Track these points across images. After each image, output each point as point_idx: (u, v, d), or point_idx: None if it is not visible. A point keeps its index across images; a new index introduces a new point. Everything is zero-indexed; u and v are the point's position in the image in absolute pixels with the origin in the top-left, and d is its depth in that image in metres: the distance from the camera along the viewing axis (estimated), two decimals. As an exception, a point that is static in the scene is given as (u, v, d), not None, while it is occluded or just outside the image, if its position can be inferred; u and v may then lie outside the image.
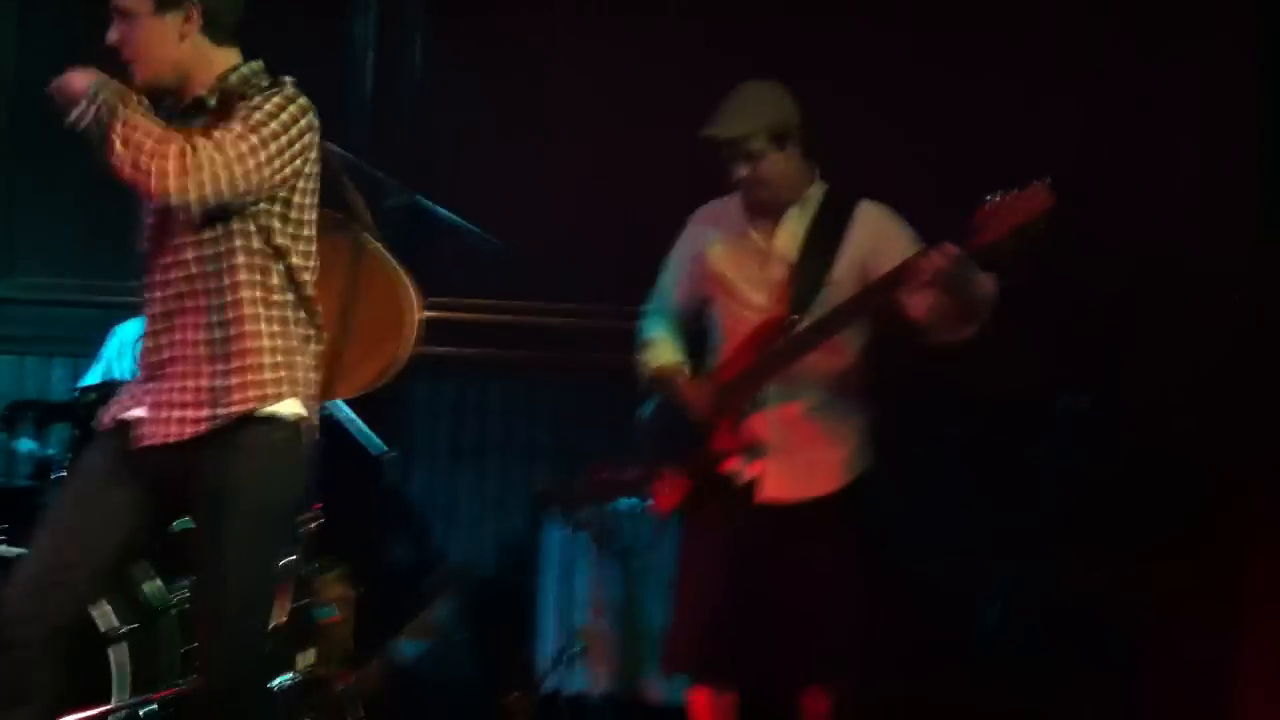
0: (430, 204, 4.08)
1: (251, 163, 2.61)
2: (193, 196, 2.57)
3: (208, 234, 2.67)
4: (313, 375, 2.79)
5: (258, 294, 2.70)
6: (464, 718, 3.83)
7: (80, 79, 2.60)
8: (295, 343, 2.74)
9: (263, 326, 2.70)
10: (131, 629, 3.35)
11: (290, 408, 2.71)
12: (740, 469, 3.23)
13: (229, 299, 2.67)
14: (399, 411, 4.70)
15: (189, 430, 2.67)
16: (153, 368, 2.73)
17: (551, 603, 4.25)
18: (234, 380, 2.67)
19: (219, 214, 2.64)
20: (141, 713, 3.31)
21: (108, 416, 2.79)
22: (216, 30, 2.72)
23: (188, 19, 2.69)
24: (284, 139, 2.66)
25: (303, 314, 2.76)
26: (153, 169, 2.54)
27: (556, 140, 4.68)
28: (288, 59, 4.48)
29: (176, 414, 2.68)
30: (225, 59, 2.74)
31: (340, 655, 3.91)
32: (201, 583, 2.79)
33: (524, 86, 4.76)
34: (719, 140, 3.17)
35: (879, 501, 3.37)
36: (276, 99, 2.69)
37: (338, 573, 4.09)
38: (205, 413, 2.66)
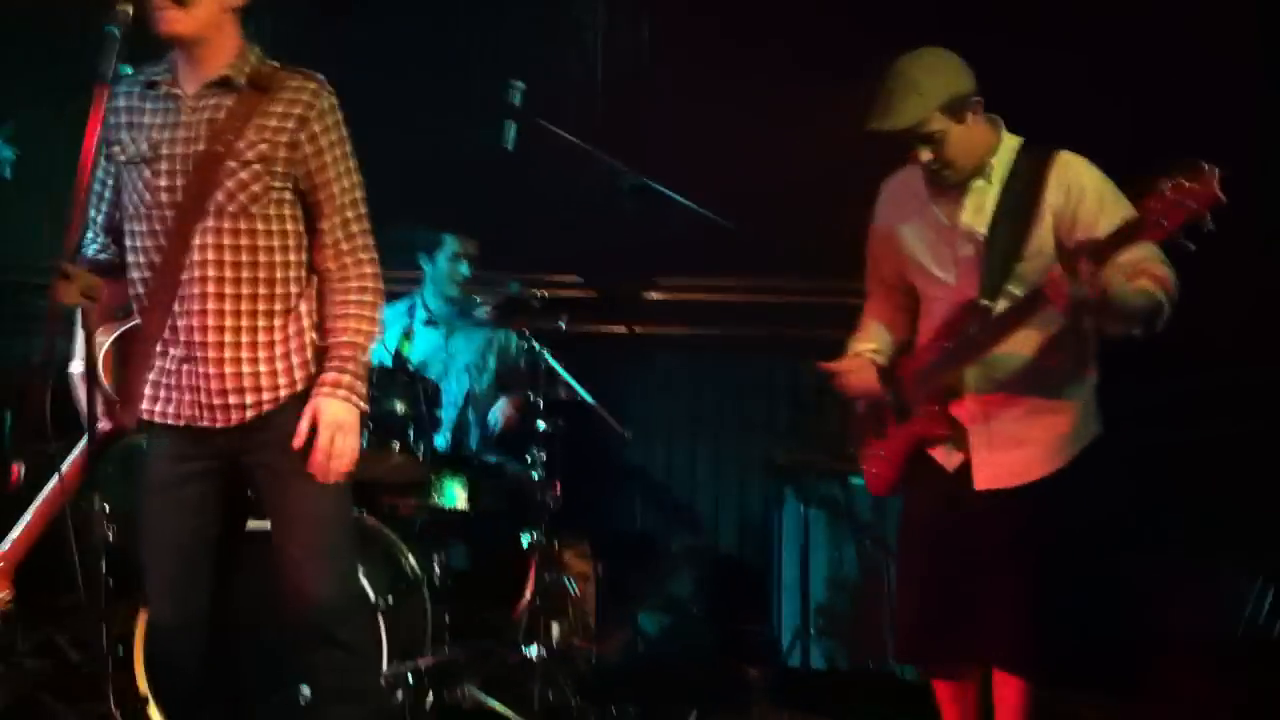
0: (660, 186, 4.14)
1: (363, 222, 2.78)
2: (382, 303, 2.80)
3: (243, 223, 2.70)
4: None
5: (300, 274, 2.76)
6: (704, 691, 3.87)
7: (352, 445, 2.73)
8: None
9: (303, 307, 2.77)
10: (391, 602, 3.51)
11: None
12: (946, 456, 3.02)
13: (269, 279, 2.72)
14: (638, 389, 4.79)
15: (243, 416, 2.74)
16: (192, 347, 2.73)
17: (789, 578, 4.27)
18: (279, 365, 2.74)
19: (256, 204, 2.69)
20: (402, 679, 3.47)
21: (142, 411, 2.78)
22: (246, 11, 2.74)
23: None
24: (349, 145, 2.77)
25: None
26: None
27: (787, 119, 4.66)
28: (519, 46, 4.69)
29: (233, 400, 2.73)
30: (239, 38, 2.75)
31: (583, 628, 4.03)
32: (291, 524, 2.78)
33: (751, 68, 4.76)
34: (892, 132, 2.89)
35: (1104, 479, 3.06)
36: (334, 105, 2.74)
37: (579, 548, 4.21)
38: (250, 399, 2.73)
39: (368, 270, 2.79)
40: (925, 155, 2.92)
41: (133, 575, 3.32)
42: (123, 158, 2.73)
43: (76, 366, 2.79)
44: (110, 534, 3.43)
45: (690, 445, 4.89)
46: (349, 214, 2.77)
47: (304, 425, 2.71)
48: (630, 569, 4.38)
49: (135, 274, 2.75)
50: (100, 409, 2.73)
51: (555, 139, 4.16)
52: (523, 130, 4.08)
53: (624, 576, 4.31)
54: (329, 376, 2.73)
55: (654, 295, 4.89)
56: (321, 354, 2.77)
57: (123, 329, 2.77)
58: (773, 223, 4.52)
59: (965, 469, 3.00)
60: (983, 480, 2.98)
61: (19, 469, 2.74)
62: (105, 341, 2.78)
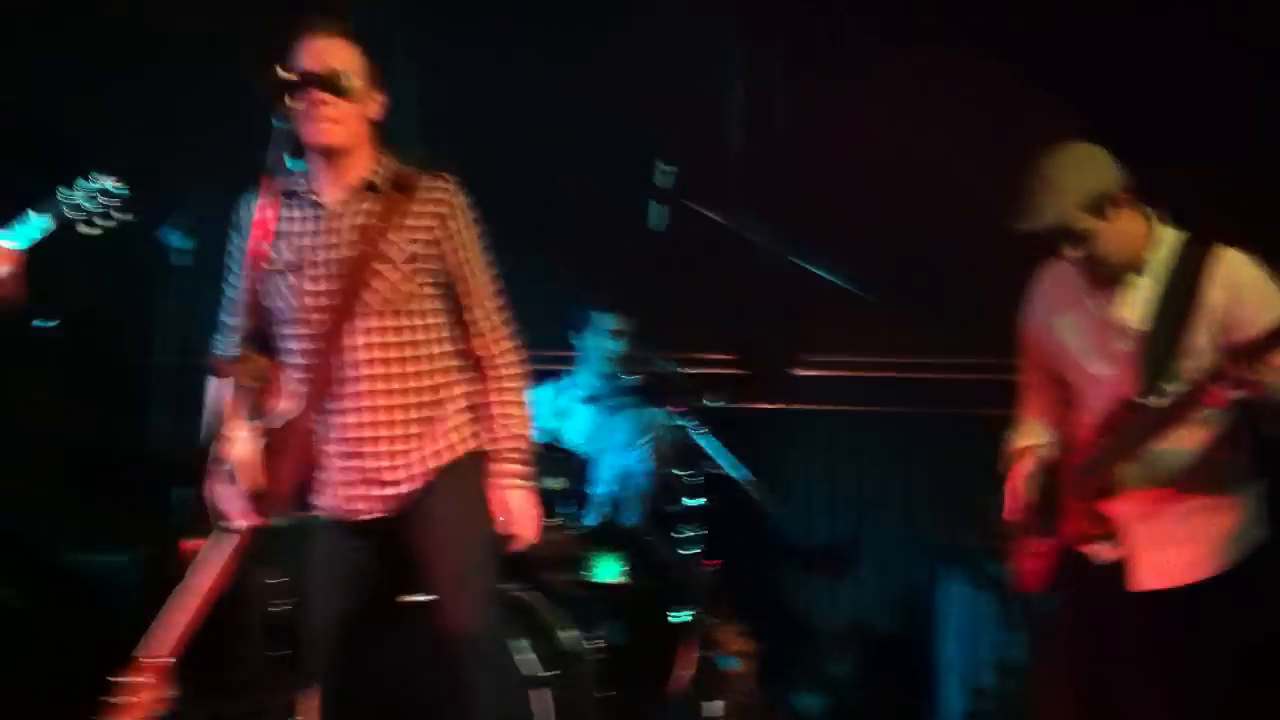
0: (803, 259, 4.14)
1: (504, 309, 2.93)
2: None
3: (397, 320, 2.83)
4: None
5: (450, 363, 2.90)
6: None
7: (537, 523, 2.94)
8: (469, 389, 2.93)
9: (456, 390, 2.90)
10: (554, 674, 3.51)
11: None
12: (1099, 553, 2.88)
13: (425, 371, 2.87)
14: (795, 466, 4.76)
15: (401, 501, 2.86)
16: (351, 444, 2.86)
17: (953, 661, 4.16)
18: (441, 446, 2.87)
19: (409, 302, 2.84)
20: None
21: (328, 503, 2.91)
22: (379, 123, 2.90)
23: (378, 104, 2.87)
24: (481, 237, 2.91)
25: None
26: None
27: (936, 188, 4.64)
28: (663, 125, 4.74)
29: (390, 491, 2.86)
30: (376, 144, 2.90)
31: (744, 705, 3.97)
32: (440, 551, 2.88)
33: (892, 136, 4.75)
34: (1037, 232, 2.84)
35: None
36: (466, 202, 2.87)
37: (738, 626, 4.17)
38: (406, 488, 2.86)
39: (516, 357, 2.96)
40: (1073, 254, 2.87)
41: (301, 648, 3.39)
42: (269, 266, 2.85)
43: (220, 462, 2.89)
44: (277, 608, 3.51)
45: (852, 522, 4.83)
46: (491, 303, 2.94)
47: (495, 510, 2.90)
48: (788, 648, 4.31)
49: (295, 375, 2.88)
50: (246, 504, 2.84)
51: (703, 217, 4.22)
52: (672, 210, 4.15)
53: (781, 655, 4.25)
54: (508, 469, 2.90)
55: (803, 372, 4.86)
56: (474, 428, 2.91)
57: (269, 427, 2.86)
58: (920, 296, 4.50)
59: (1121, 568, 2.87)
60: (1142, 580, 2.84)
61: (191, 546, 2.85)
62: (242, 439, 2.86)
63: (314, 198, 2.86)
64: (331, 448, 2.85)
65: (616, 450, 4.48)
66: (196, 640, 3.38)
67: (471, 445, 2.92)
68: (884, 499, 4.80)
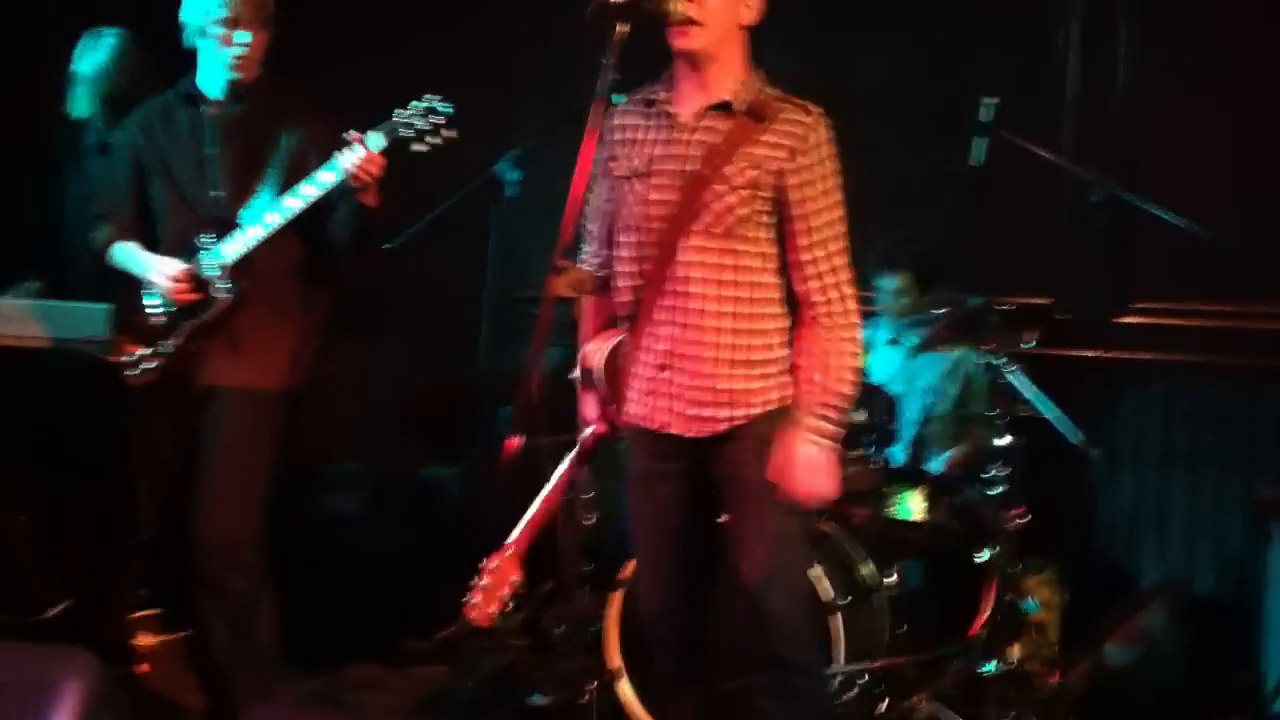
0: (1136, 199, 3.97)
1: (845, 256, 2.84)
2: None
3: (728, 243, 2.79)
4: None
5: (776, 295, 2.83)
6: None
7: (830, 488, 2.83)
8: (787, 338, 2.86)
9: (780, 325, 2.84)
10: (847, 602, 3.55)
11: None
12: None
13: (746, 299, 2.81)
14: (1106, 416, 4.59)
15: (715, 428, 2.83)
16: (663, 356, 2.85)
17: (1277, 624, 3.93)
18: (756, 383, 2.82)
19: (741, 227, 2.78)
20: (858, 681, 3.50)
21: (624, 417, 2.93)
22: (756, 30, 2.81)
23: (752, 8, 2.80)
24: (838, 179, 2.81)
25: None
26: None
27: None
28: (993, 64, 4.63)
29: (707, 413, 2.83)
30: (746, 60, 2.84)
31: (1046, 654, 3.90)
32: (746, 539, 2.83)
33: (1238, 81, 4.48)
34: None
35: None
36: (827, 139, 2.80)
37: (1045, 575, 4.08)
38: (724, 413, 2.82)
39: (851, 306, 2.87)
40: None
41: (607, 561, 3.56)
42: (619, 172, 2.92)
43: (577, 373, 3.04)
44: (591, 521, 3.69)
45: (1162, 477, 4.62)
46: (832, 247, 2.84)
47: (785, 463, 2.81)
48: (1096, 600, 4.18)
49: (624, 283, 2.93)
50: (596, 411, 2.97)
51: (1026, 155, 4.10)
52: (993, 146, 4.05)
53: (1089, 607, 4.12)
54: (814, 424, 2.82)
55: (1129, 320, 4.67)
56: (793, 374, 2.86)
57: (618, 338, 2.97)
58: (1259, 242, 4.24)
59: None
60: None
61: (516, 442, 2.99)
62: (602, 349, 2.99)
63: (669, 109, 2.86)
64: (654, 359, 2.86)
65: (923, 394, 4.44)
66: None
67: (791, 395, 2.85)
68: (1210, 452, 4.54)
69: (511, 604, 3.38)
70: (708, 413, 2.84)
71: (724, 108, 2.82)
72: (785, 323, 2.87)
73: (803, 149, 2.79)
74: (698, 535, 2.93)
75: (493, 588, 3.28)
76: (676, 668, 2.98)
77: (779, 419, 2.83)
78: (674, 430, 2.87)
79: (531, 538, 3.34)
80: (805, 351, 2.85)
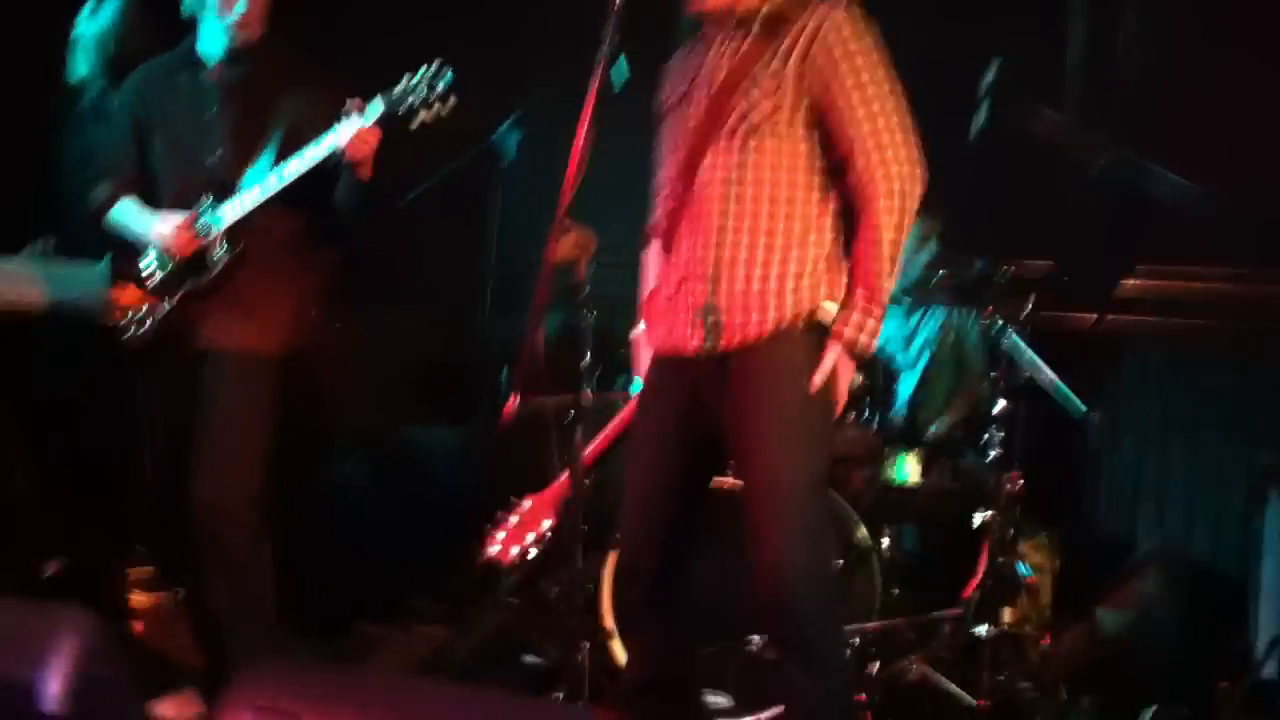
0: (1143, 162, 3.95)
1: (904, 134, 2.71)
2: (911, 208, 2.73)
3: (752, 143, 2.70)
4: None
5: (812, 196, 2.73)
6: (1166, 697, 3.66)
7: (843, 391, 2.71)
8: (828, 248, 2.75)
9: (812, 238, 2.73)
10: (840, 565, 3.57)
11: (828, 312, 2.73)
12: None
13: (767, 196, 2.71)
14: (1106, 380, 4.59)
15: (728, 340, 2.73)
16: (683, 267, 2.77)
17: (1270, 587, 3.94)
18: (772, 299, 2.71)
19: (766, 123, 2.69)
20: (850, 643, 3.53)
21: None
22: None
23: None
24: (875, 57, 2.70)
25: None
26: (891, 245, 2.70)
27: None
28: (999, 26, 4.60)
29: (724, 319, 2.71)
30: None
31: (1038, 618, 3.92)
32: (755, 477, 2.73)
33: (1244, 45, 4.45)
34: None
35: None
36: (851, 19, 2.69)
37: (1040, 539, 4.09)
38: (739, 319, 2.72)
39: (903, 187, 2.69)
40: None
41: (603, 524, 3.59)
42: (667, 104, 2.90)
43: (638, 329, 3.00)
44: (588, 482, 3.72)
45: (1162, 443, 4.62)
46: (882, 121, 2.69)
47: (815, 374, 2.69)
48: (1092, 565, 4.20)
49: (661, 208, 2.87)
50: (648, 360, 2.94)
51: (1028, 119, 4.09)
52: (996, 109, 4.04)
53: (1085, 572, 4.14)
54: (843, 331, 2.68)
55: (1131, 283, 4.66)
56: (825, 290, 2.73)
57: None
58: (1265, 209, 4.22)
59: None
60: None
61: (516, 400, 2.99)
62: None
63: (707, 33, 2.85)
64: (673, 274, 2.80)
65: (923, 351, 4.45)
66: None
67: (810, 308, 2.71)
68: (1210, 418, 4.54)
69: (536, 548, 3.38)
70: (724, 319, 2.71)
71: (751, 17, 2.77)
72: (815, 233, 2.74)
73: (824, 29, 2.68)
74: (690, 469, 2.86)
75: (521, 527, 3.30)
76: (646, 598, 2.89)
77: (797, 338, 2.71)
78: (690, 344, 2.76)
79: (569, 487, 3.32)
80: (856, 243, 2.72)
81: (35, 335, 3.90)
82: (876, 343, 2.73)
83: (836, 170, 2.74)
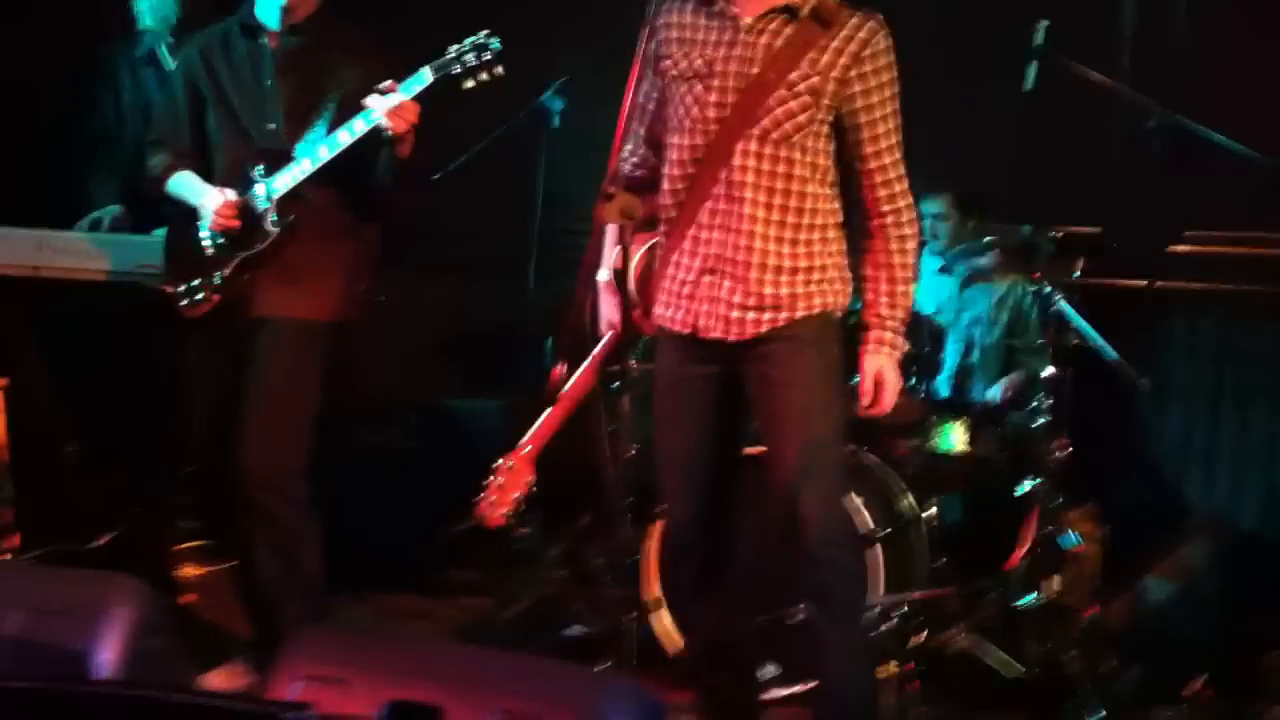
0: (1194, 125, 3.89)
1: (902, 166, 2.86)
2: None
3: (783, 150, 2.78)
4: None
5: (830, 206, 2.84)
6: (1213, 667, 3.63)
7: (894, 392, 2.88)
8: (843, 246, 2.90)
9: (830, 234, 2.85)
10: (886, 534, 3.56)
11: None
12: None
13: (796, 208, 2.81)
14: (1154, 348, 4.53)
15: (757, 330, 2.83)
16: (711, 260, 2.85)
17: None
18: (800, 290, 2.83)
19: (799, 133, 2.77)
20: (896, 612, 3.52)
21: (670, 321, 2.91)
22: None
23: None
24: (897, 88, 2.81)
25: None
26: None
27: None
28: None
29: (751, 315, 2.82)
30: None
31: (1086, 587, 3.89)
32: (782, 438, 2.85)
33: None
34: None
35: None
36: (889, 47, 2.79)
37: (1086, 508, 4.05)
38: (767, 315, 2.83)
39: (913, 216, 2.88)
40: None
41: (647, 494, 3.59)
42: (674, 72, 2.88)
43: (604, 275, 3.04)
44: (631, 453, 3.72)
45: (1212, 411, 4.56)
46: (895, 156, 2.85)
47: (863, 379, 2.88)
48: (1138, 535, 4.16)
49: (668, 185, 2.90)
50: (618, 314, 3.01)
51: (1078, 81, 4.03)
52: (1043, 72, 3.99)
53: (1131, 542, 4.10)
54: (882, 335, 2.87)
55: (1181, 249, 4.59)
56: (842, 286, 2.89)
57: (652, 241, 2.97)
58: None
59: None
60: None
61: (562, 368, 3.03)
62: (636, 251, 2.98)
63: (733, 9, 2.82)
64: (694, 262, 2.85)
65: (972, 324, 4.41)
66: (558, 488, 3.66)
67: (832, 303, 2.87)
68: (1261, 387, 4.48)
69: (524, 505, 3.44)
70: (750, 316, 2.83)
71: (788, 11, 2.79)
72: (834, 233, 2.87)
73: (868, 55, 2.77)
74: (727, 442, 2.95)
75: (507, 487, 3.35)
76: (698, 576, 2.96)
77: (818, 323, 2.85)
78: (714, 334, 2.85)
79: (547, 438, 3.40)
80: (872, 263, 2.89)
81: (86, 305, 3.93)
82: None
83: (845, 174, 2.88)
